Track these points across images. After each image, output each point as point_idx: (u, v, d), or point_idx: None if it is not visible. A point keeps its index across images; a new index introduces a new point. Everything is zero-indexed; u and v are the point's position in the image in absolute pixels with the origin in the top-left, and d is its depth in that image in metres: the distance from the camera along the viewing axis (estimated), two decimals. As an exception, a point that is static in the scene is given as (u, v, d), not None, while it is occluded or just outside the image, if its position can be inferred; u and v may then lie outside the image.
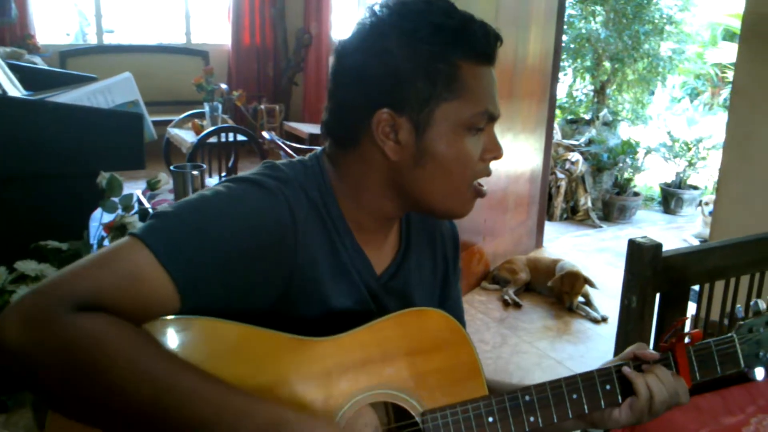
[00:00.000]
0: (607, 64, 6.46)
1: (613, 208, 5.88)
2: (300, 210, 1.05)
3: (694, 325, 1.73)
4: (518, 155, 4.09)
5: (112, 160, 2.64)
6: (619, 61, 6.35)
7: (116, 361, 0.85)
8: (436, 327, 1.12)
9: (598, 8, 6.42)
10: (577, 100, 6.76)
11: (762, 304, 1.24)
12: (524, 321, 3.69)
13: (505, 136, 3.91)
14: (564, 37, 6.59)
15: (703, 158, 6.14)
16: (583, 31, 6.38)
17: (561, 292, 3.81)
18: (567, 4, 6.53)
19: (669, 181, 6.28)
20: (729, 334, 1.21)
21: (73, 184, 2.58)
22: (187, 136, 4.99)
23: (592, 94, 6.70)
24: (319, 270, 1.07)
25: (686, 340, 1.16)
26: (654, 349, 1.21)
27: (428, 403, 1.09)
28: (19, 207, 2.46)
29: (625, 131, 6.61)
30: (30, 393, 0.92)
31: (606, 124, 6.35)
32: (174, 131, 5.23)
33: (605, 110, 6.39)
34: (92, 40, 6.98)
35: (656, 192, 6.51)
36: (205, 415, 0.87)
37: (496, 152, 1.10)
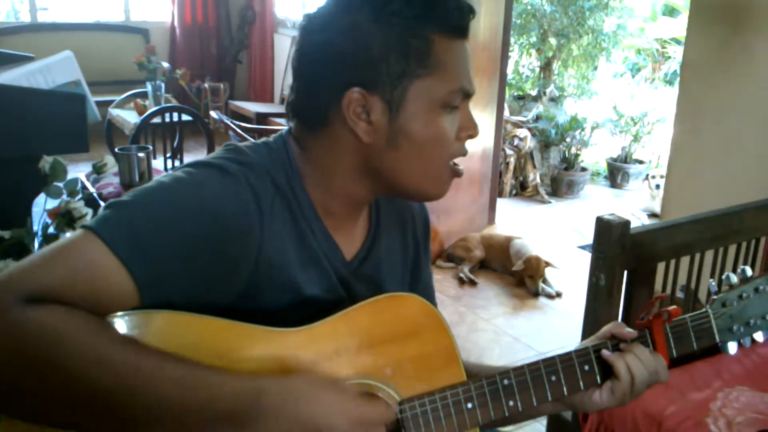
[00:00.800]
0: (552, 40, 6.49)
1: (561, 183, 5.93)
2: (266, 196, 0.99)
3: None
4: (470, 132, 4.08)
5: (55, 143, 2.52)
6: (565, 37, 6.38)
7: (73, 349, 0.81)
8: (412, 313, 1.09)
9: (544, -17, 6.44)
10: (523, 76, 6.78)
11: (734, 278, 1.24)
12: (480, 298, 3.69)
13: (457, 113, 3.89)
14: (509, 13, 6.61)
15: (648, 133, 6.24)
16: (529, 6, 6.39)
17: (523, 278, 3.81)
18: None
19: (615, 155, 6.36)
20: (704, 310, 1.20)
21: (13, 169, 2.47)
22: (129, 117, 4.84)
23: (538, 70, 6.73)
24: (288, 257, 1.02)
25: (665, 317, 1.15)
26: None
27: (406, 391, 1.06)
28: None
29: (571, 107, 6.66)
30: None
31: (553, 99, 6.40)
32: (116, 112, 5.06)
33: (551, 86, 6.43)
34: (25, 18, 6.70)
35: (602, 167, 6.60)
36: (174, 395, 0.83)
37: (471, 130, 1.07)
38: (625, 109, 6.30)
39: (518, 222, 5.06)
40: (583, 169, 6.08)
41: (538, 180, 5.86)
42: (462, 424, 1.06)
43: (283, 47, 6.33)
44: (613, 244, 1.50)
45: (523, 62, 6.81)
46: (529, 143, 5.82)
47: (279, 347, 0.99)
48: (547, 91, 6.37)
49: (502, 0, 3.98)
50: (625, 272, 1.58)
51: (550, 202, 5.71)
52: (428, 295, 1.33)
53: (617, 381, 1.10)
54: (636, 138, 6.22)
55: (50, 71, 2.51)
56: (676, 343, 1.17)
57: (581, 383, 1.12)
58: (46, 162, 2.35)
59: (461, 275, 3.87)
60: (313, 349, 1.01)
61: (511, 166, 5.81)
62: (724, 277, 1.25)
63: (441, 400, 1.06)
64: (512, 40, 6.50)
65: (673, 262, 1.64)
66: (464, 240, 4.06)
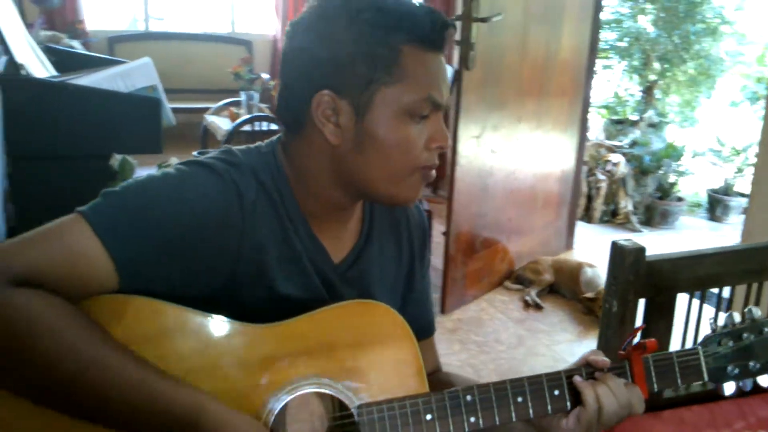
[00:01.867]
0: (656, 65, 6.28)
1: (655, 212, 5.71)
2: (248, 194, 1.05)
3: (684, 331, 1.65)
4: (548, 153, 4.01)
5: (130, 143, 2.69)
6: (668, 62, 6.16)
7: (43, 335, 0.87)
8: (379, 321, 1.11)
9: (649, 6, 6.25)
10: (624, 100, 6.59)
11: (737, 317, 1.18)
12: (544, 323, 3.60)
13: (534, 134, 3.84)
14: (612, 36, 6.45)
15: (753, 164, 5.91)
16: (632, 30, 6.22)
17: (593, 308, 3.67)
18: (617, 2, 6.40)
19: (716, 187, 6.07)
20: (694, 347, 1.15)
21: (91, 166, 2.64)
22: (222, 124, 5.04)
23: (640, 94, 6.52)
24: (268, 255, 1.07)
25: (642, 348, 1.11)
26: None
27: (365, 396, 1.07)
28: (34, 185, 2.53)
29: (673, 133, 6.41)
30: None
31: (652, 125, 6.17)
32: (211, 118, 5.28)
33: (651, 111, 6.22)
34: (141, 27, 7.11)
35: (703, 198, 6.30)
36: (126, 395, 0.89)
37: (441, 141, 1.08)
38: (730, 139, 6.00)
39: (601, 249, 4.88)
40: (680, 199, 5.82)
41: (630, 207, 5.66)
42: (419, 435, 1.06)
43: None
44: (626, 270, 1.45)
45: (624, 86, 6.63)
46: (622, 169, 5.63)
47: (244, 341, 1.03)
48: (645, 116, 6.15)
49: (588, 21, 3.90)
50: (643, 301, 1.53)
51: (641, 231, 5.50)
52: (423, 303, 1.34)
53: (584, 409, 1.08)
54: (739, 169, 5.90)
55: (130, 76, 2.67)
56: (658, 377, 1.14)
57: (549, 407, 1.10)
58: (115, 160, 2.50)
59: (527, 298, 3.79)
60: (277, 347, 1.04)
61: (603, 192, 5.64)
62: (726, 315, 1.19)
63: (399, 408, 1.06)
64: (614, 63, 6.37)
65: (698, 294, 1.56)
66: (535, 263, 3.97)
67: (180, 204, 1.00)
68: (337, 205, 1.13)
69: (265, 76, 5.90)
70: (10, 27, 2.58)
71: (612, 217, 5.73)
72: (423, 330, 1.34)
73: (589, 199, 5.64)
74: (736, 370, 1.15)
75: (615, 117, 6.54)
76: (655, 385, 1.13)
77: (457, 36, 3.31)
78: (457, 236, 3.48)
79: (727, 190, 5.96)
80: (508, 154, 3.68)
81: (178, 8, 7.52)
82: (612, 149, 5.82)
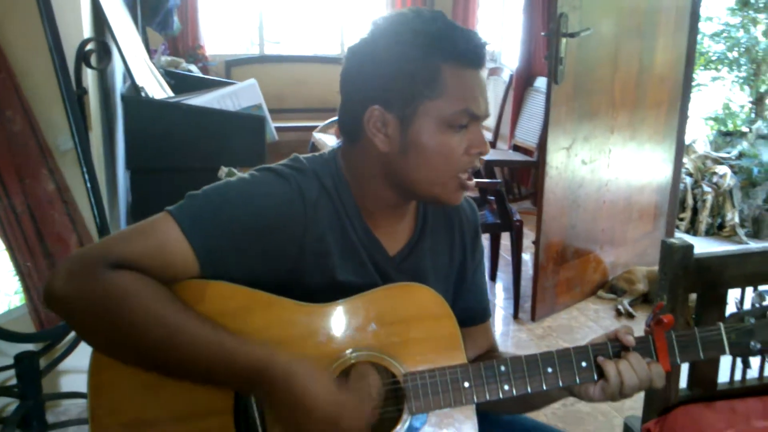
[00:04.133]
0: (768, 75, 6.11)
1: (763, 225, 5.52)
2: (310, 194, 1.21)
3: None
4: (643, 165, 4.02)
5: (236, 156, 2.93)
6: (780, 72, 5.99)
7: (134, 307, 1.06)
8: (422, 301, 1.25)
9: (761, 16, 6.10)
10: (733, 111, 6.43)
11: (767, 297, 1.27)
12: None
13: (627, 145, 3.87)
14: (721, 47, 6.33)
15: None
16: (742, 40, 6.08)
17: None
18: (726, 13, 6.27)
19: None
20: (716, 324, 1.25)
21: (199, 177, 2.88)
22: (329, 140, 5.29)
23: (750, 105, 6.35)
24: (328, 246, 1.23)
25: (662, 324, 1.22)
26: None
27: (411, 366, 1.21)
28: (148, 196, 2.80)
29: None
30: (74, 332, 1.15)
31: (762, 137, 5.99)
32: (318, 135, 5.56)
33: (761, 122, 6.04)
34: (255, 51, 7.53)
35: (820, 211, 6.03)
36: (204, 353, 1.07)
37: (480, 148, 1.22)
38: None
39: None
40: (790, 212, 5.62)
41: (736, 220, 5.51)
42: (458, 399, 1.20)
43: (498, 91, 6.41)
44: (674, 266, 1.54)
45: (735, 97, 6.47)
46: (729, 181, 5.51)
47: (304, 318, 1.20)
48: (754, 127, 5.98)
49: (684, 34, 3.90)
50: (695, 296, 1.61)
51: (747, 244, 5.35)
52: (475, 292, 1.46)
53: (607, 382, 1.20)
54: None
55: (237, 96, 2.92)
56: (681, 351, 1.24)
57: (577, 377, 1.22)
58: (222, 172, 2.76)
59: (619, 307, 3.82)
60: (332, 322, 1.21)
61: (708, 204, 5.53)
62: (753, 295, 1.28)
63: (440, 376, 1.21)
64: (725, 73, 6.24)
65: (749, 290, 1.63)
66: (629, 272, 3.98)
67: (251, 202, 1.17)
68: (390, 204, 1.29)
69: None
70: (133, 54, 2.90)
71: (718, 230, 5.61)
72: (478, 316, 1.47)
73: (695, 211, 5.55)
74: (758, 345, 1.23)
75: (724, 129, 6.39)
76: (678, 358, 1.24)
77: (546, 51, 3.42)
78: (547, 245, 3.57)
79: None
80: (601, 165, 3.73)
81: (292, 32, 7.92)
82: (718, 161, 5.70)
